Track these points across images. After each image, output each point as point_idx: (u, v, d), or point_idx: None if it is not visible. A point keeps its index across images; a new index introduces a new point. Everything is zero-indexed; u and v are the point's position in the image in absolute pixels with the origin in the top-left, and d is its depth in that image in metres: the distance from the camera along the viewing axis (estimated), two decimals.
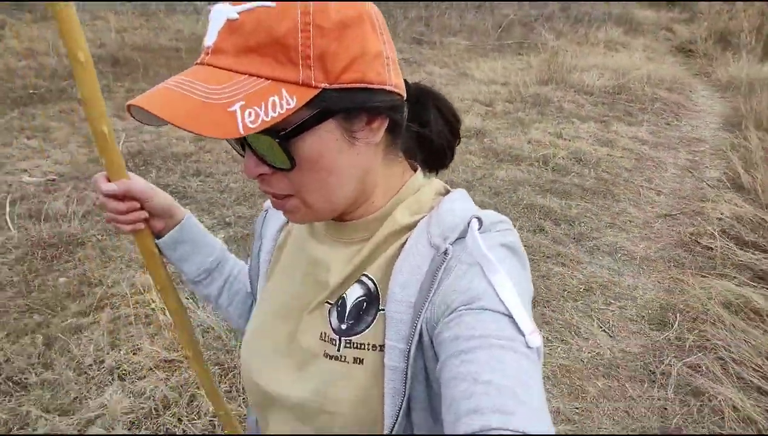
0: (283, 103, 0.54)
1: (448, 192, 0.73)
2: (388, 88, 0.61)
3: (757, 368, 2.54)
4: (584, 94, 6.89)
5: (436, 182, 0.74)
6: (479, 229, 0.63)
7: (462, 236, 0.63)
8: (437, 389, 0.59)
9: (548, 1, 13.17)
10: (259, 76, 0.55)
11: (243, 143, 0.62)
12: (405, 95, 0.66)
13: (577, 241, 3.72)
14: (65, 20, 0.73)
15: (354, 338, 0.66)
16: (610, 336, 2.85)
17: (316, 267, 0.72)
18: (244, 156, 0.63)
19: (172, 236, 0.90)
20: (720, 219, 3.95)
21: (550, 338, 2.79)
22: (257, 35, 0.55)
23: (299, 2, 0.55)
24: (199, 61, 0.59)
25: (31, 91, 6.17)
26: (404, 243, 0.67)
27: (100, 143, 0.80)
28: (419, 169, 0.74)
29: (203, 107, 0.53)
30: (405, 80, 0.68)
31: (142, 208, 0.86)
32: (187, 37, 8.86)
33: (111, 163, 0.83)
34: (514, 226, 0.68)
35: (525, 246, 0.71)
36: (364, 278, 0.68)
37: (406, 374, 0.61)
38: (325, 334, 0.68)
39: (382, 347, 0.63)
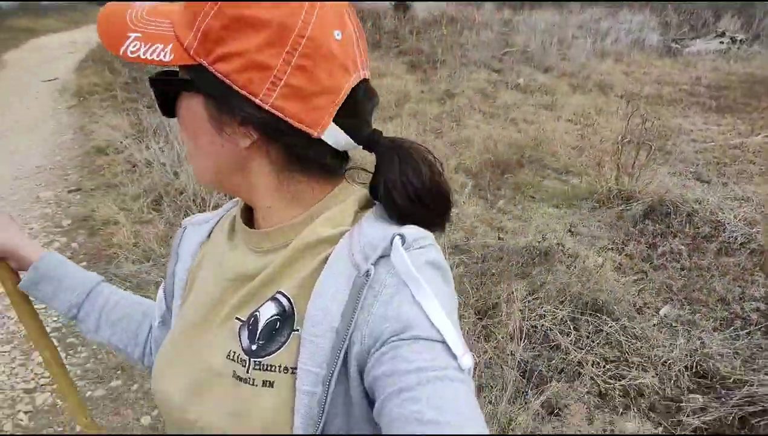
0: (161, 55, 0.61)
1: (372, 205, 0.70)
2: (257, 101, 0.60)
3: None
4: None
5: (359, 192, 0.71)
6: (403, 246, 0.61)
7: (385, 255, 0.61)
8: (359, 417, 0.60)
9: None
10: (173, 26, 0.63)
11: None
12: (314, 132, 0.62)
13: None
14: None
15: (264, 360, 0.63)
16: None
17: (228, 274, 0.71)
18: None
19: (28, 277, 0.91)
20: None
21: None
22: None
23: None
24: None
25: None
26: (326, 259, 0.64)
27: None
28: (344, 181, 0.71)
29: (120, 24, 0.64)
30: (379, 131, 0.67)
31: None
32: None
33: None
34: None
35: None
36: (278, 296, 0.65)
37: (325, 400, 0.59)
38: (235, 353, 0.66)
39: (294, 370, 0.61)
